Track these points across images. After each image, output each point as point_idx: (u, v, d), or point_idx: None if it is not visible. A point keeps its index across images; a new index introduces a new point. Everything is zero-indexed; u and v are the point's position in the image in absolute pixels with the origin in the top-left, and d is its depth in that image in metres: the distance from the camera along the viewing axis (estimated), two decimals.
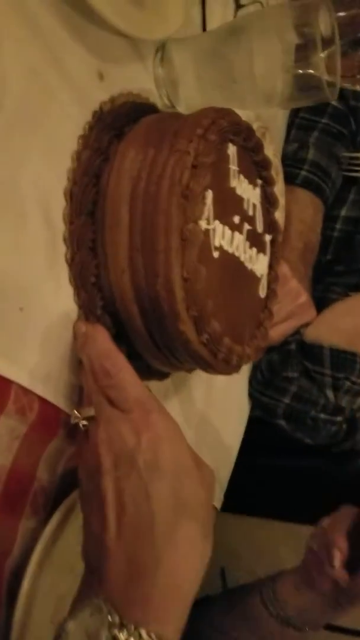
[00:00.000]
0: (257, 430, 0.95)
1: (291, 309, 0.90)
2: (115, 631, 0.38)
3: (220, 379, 0.81)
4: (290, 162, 0.99)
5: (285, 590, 0.74)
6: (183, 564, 0.42)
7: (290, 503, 1.05)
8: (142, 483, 0.42)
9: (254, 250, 0.60)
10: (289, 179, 0.98)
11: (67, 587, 0.53)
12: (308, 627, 0.73)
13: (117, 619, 0.38)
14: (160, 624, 0.39)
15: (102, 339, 0.48)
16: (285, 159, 0.99)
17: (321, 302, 0.97)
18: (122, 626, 0.38)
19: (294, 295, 0.89)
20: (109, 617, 0.38)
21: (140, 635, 0.38)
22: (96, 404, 0.46)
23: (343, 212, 1.09)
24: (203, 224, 0.51)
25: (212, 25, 0.69)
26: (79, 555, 0.51)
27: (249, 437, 0.93)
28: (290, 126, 1.03)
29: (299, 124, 1.02)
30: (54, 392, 0.50)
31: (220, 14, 0.71)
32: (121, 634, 0.38)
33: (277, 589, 0.75)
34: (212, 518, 0.46)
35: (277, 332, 0.89)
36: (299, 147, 1.00)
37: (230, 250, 0.56)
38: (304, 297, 0.90)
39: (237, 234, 0.57)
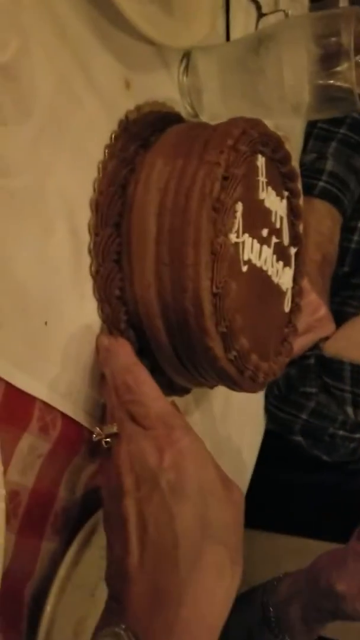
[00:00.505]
0: (273, 445, 0.93)
1: (310, 322, 0.88)
2: None
3: (238, 394, 0.79)
4: (308, 172, 0.98)
5: (285, 578, 0.72)
6: (209, 590, 0.39)
7: (305, 518, 1.04)
8: (165, 505, 0.40)
9: (281, 263, 0.59)
10: (307, 190, 0.96)
11: (87, 610, 0.52)
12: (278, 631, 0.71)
13: None
14: None
15: (124, 353, 0.46)
16: (303, 170, 0.98)
17: (337, 316, 0.96)
18: None
19: (314, 309, 0.87)
20: None
21: None
22: (118, 421, 0.44)
23: None
24: (233, 237, 0.49)
25: (235, 33, 0.68)
26: (100, 577, 0.50)
27: (264, 451, 0.91)
28: (308, 136, 1.02)
29: (317, 134, 1.01)
30: (75, 408, 0.48)
31: (242, 23, 0.70)
32: None
33: (278, 589, 0.73)
34: (241, 541, 0.44)
35: (296, 345, 0.87)
36: (317, 157, 0.99)
37: (258, 264, 0.54)
38: (323, 311, 0.88)
39: (265, 247, 0.55)
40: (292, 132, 0.93)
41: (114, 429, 0.45)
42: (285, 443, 0.95)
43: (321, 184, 0.97)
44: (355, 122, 1.02)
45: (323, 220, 0.97)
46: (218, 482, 0.43)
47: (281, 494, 1.02)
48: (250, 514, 0.82)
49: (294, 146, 0.93)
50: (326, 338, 0.90)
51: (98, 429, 0.46)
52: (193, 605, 0.39)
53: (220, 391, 0.74)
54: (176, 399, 0.61)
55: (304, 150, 1.01)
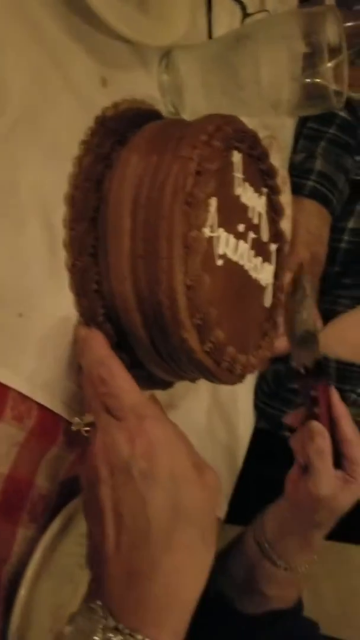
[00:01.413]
0: (263, 441, 0.94)
1: None
2: (110, 634, 0.38)
3: (224, 389, 0.80)
4: (298, 172, 0.99)
5: (269, 514, 0.74)
6: (180, 570, 0.41)
7: None
8: (138, 491, 0.42)
9: (259, 259, 0.60)
10: (296, 190, 0.97)
11: (66, 596, 0.53)
12: (282, 562, 0.72)
13: (111, 622, 0.39)
14: (156, 628, 0.39)
15: (98, 345, 0.47)
16: (293, 169, 0.99)
17: (328, 314, 0.96)
18: (116, 630, 0.38)
19: None
20: (104, 620, 0.38)
21: (133, 639, 0.38)
22: (94, 412, 0.45)
23: (350, 224, 1.09)
24: (207, 232, 0.50)
25: (218, 33, 0.69)
26: (78, 564, 0.51)
27: (255, 448, 0.92)
28: (297, 136, 1.02)
29: (307, 134, 1.02)
30: (53, 399, 0.49)
31: (226, 22, 0.71)
32: (115, 637, 0.38)
33: (263, 516, 0.75)
34: (214, 523, 0.45)
35: (283, 342, 0.88)
36: (306, 157, 1.00)
37: (234, 259, 0.55)
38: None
39: (241, 242, 0.56)
40: (281, 131, 0.94)
41: (92, 419, 0.46)
42: (275, 440, 0.96)
43: (310, 183, 0.98)
44: (344, 122, 1.02)
45: (312, 219, 0.98)
46: (190, 467, 0.44)
47: (271, 490, 1.02)
48: (241, 511, 0.83)
49: (283, 145, 0.94)
50: None
51: (77, 418, 0.47)
52: (164, 582, 0.40)
53: (207, 386, 0.75)
54: (160, 393, 0.62)
55: (294, 149, 1.02)
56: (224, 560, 0.80)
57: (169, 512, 0.42)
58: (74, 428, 0.47)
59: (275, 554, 0.72)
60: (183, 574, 0.41)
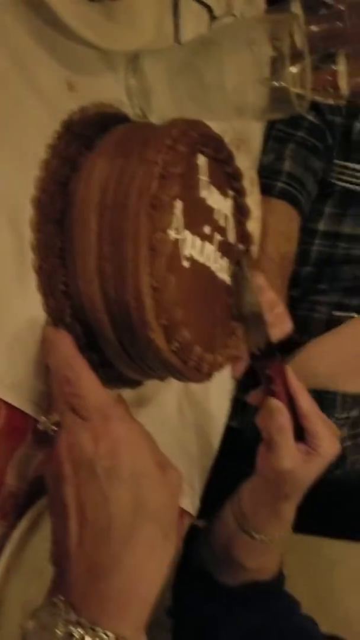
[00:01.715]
0: (238, 440, 0.95)
1: (269, 320, 0.91)
2: (71, 627, 0.39)
3: (196, 388, 0.81)
4: (267, 173, 1.01)
5: (245, 487, 0.77)
6: (141, 565, 0.42)
7: None
8: (101, 489, 0.43)
9: (226, 260, 0.61)
10: (266, 190, 0.99)
11: (36, 592, 0.53)
12: (256, 534, 0.74)
13: (73, 616, 0.39)
14: (117, 621, 0.40)
15: (64, 345, 0.48)
16: (262, 170, 1.01)
17: (305, 321, 0.99)
18: (78, 623, 0.39)
19: (270, 306, 0.89)
20: (65, 614, 0.39)
21: (95, 632, 0.39)
22: (60, 411, 0.46)
23: (321, 227, 1.10)
24: (172, 234, 0.51)
25: (185, 38, 0.70)
26: (47, 560, 0.52)
27: (230, 446, 0.93)
28: (266, 138, 1.04)
29: (275, 135, 1.04)
30: (21, 399, 0.50)
31: (193, 27, 0.72)
32: (77, 631, 0.39)
33: (240, 490, 0.77)
34: (175, 520, 0.46)
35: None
36: (275, 158, 1.02)
37: (200, 260, 0.56)
38: (281, 308, 0.91)
39: (207, 244, 0.57)
40: (251, 132, 0.96)
41: (58, 418, 0.47)
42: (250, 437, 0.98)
43: (280, 184, 1.00)
44: (312, 125, 1.05)
45: (282, 219, 1.00)
46: (153, 465, 0.45)
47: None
48: (215, 507, 0.85)
49: (253, 147, 0.96)
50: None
51: (43, 417, 0.48)
52: (125, 576, 0.42)
53: (177, 384, 0.76)
54: (129, 392, 0.63)
55: (263, 151, 1.03)
56: (206, 533, 0.82)
57: (131, 509, 0.43)
58: (40, 427, 0.48)
59: (250, 526, 0.75)
60: (144, 569, 0.43)
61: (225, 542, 0.77)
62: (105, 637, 0.39)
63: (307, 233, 1.07)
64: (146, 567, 0.43)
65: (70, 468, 0.44)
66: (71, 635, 0.39)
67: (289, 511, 0.74)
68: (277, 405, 0.69)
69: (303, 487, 0.72)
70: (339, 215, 1.07)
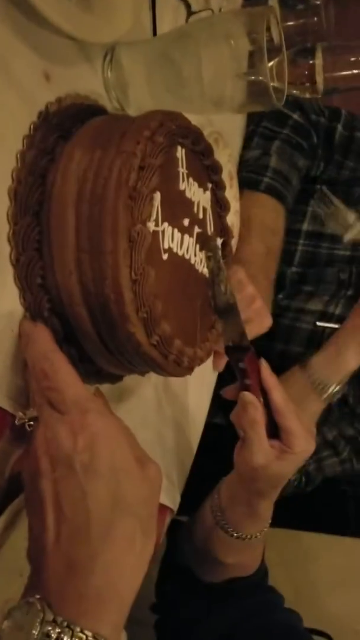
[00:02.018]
0: (220, 437, 0.95)
1: (247, 315, 0.91)
2: (48, 627, 0.38)
3: (175, 382, 0.81)
4: (253, 168, 1.01)
5: (223, 483, 0.76)
6: (120, 561, 0.42)
7: None
8: (79, 484, 0.42)
9: (205, 253, 0.61)
10: (252, 185, 0.99)
11: (16, 593, 0.52)
12: (233, 530, 0.74)
13: (50, 616, 0.38)
14: (95, 620, 0.39)
15: (42, 340, 0.48)
16: (248, 165, 1.01)
17: (290, 331, 1.00)
18: (54, 622, 0.38)
19: (249, 301, 0.89)
20: (42, 614, 0.38)
21: (72, 631, 0.38)
22: (37, 406, 0.46)
23: (304, 227, 1.11)
24: (151, 226, 0.51)
25: (162, 30, 0.70)
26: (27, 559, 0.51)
27: (215, 444, 0.93)
28: (252, 134, 1.05)
29: (262, 132, 1.05)
30: None
31: (171, 20, 0.72)
32: (53, 630, 0.38)
33: (219, 486, 0.77)
34: (154, 515, 0.46)
35: None
36: (261, 154, 1.02)
37: (180, 253, 0.56)
38: (259, 303, 0.91)
39: (187, 236, 0.57)
40: (229, 126, 0.95)
41: (36, 413, 0.46)
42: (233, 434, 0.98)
43: (266, 179, 1.01)
44: (297, 124, 1.06)
45: (268, 213, 1.00)
46: (132, 460, 0.45)
47: None
48: (196, 504, 0.85)
49: (232, 140, 0.96)
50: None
51: (20, 413, 0.47)
52: (103, 573, 0.41)
53: (157, 380, 0.76)
54: (109, 387, 0.63)
55: (249, 146, 1.04)
56: (188, 529, 0.81)
57: (109, 504, 0.42)
58: (17, 422, 0.47)
59: (226, 522, 0.74)
60: (122, 566, 0.42)
61: (204, 539, 0.77)
62: (82, 635, 0.38)
63: (291, 234, 1.08)
64: (125, 563, 0.42)
65: (48, 463, 0.43)
66: (48, 635, 0.38)
67: (264, 509, 0.74)
68: (250, 398, 0.68)
69: (277, 484, 0.71)
70: (321, 216, 1.08)
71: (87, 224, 0.49)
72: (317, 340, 0.99)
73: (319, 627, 1.05)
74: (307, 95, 0.74)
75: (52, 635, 0.38)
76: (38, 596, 0.39)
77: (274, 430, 0.69)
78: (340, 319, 0.99)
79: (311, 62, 0.73)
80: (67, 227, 0.50)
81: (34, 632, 0.38)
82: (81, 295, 0.51)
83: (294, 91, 0.73)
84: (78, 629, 0.38)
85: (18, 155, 0.49)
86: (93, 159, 0.50)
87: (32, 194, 0.49)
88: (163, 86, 0.62)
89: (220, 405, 0.96)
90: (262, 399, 0.68)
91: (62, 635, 0.38)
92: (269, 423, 0.69)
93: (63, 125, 0.52)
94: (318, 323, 1.01)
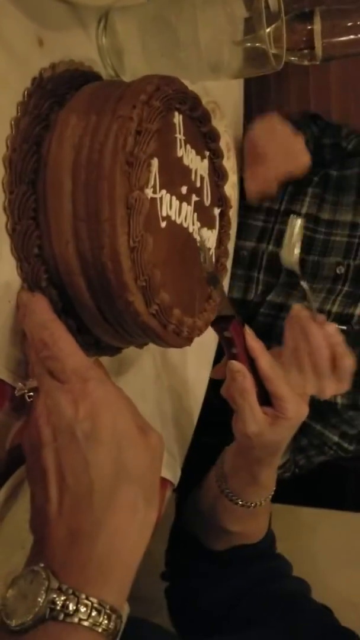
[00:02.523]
0: (220, 412, 0.95)
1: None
2: (53, 595, 0.38)
3: (173, 356, 0.81)
4: None
5: (227, 452, 0.77)
6: (123, 529, 0.42)
7: None
8: (81, 453, 0.42)
9: (201, 222, 0.60)
10: None
11: (18, 563, 0.52)
12: (236, 497, 0.75)
13: (55, 583, 0.38)
14: (99, 587, 0.39)
15: (41, 309, 0.47)
16: None
17: (268, 331, 1.00)
18: (59, 590, 0.38)
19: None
20: (47, 582, 0.38)
21: (78, 598, 0.38)
22: (37, 376, 0.45)
23: (304, 210, 1.09)
24: (149, 193, 0.50)
25: None
26: (29, 530, 0.51)
27: (217, 420, 0.93)
28: None
29: None
30: None
31: None
32: (59, 598, 0.38)
33: (223, 454, 0.77)
34: (157, 483, 0.46)
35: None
36: None
37: (178, 221, 0.55)
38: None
39: (185, 204, 0.56)
40: (225, 96, 0.94)
41: (36, 384, 0.46)
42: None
43: None
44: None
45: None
46: (134, 428, 0.44)
47: None
48: (197, 479, 0.85)
49: (230, 111, 0.94)
50: None
51: (20, 384, 0.47)
52: (107, 541, 0.41)
53: (156, 353, 0.76)
54: (107, 359, 0.62)
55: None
56: (194, 498, 0.82)
57: (112, 473, 0.42)
58: (17, 393, 0.47)
59: (230, 490, 0.75)
60: (126, 533, 0.42)
61: (210, 508, 0.78)
62: (88, 602, 0.38)
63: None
64: (128, 531, 0.42)
65: (49, 432, 0.43)
66: (53, 602, 0.38)
67: (265, 476, 0.74)
68: (238, 367, 0.68)
69: (274, 450, 0.72)
70: (320, 201, 1.07)
71: (83, 191, 0.48)
72: None
73: (318, 600, 1.07)
74: (306, 63, 0.73)
75: (58, 602, 0.38)
76: (42, 565, 0.39)
77: (266, 397, 0.69)
78: (336, 318, 0.97)
79: (309, 27, 0.71)
80: (63, 195, 0.49)
81: (39, 599, 0.38)
82: (79, 265, 0.50)
83: (292, 58, 0.71)
84: (83, 596, 0.38)
85: (12, 123, 0.48)
86: (89, 124, 0.49)
87: (27, 162, 0.48)
88: (159, 51, 0.61)
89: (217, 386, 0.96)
90: (250, 367, 0.68)
91: (68, 602, 0.38)
92: (260, 391, 0.69)
93: (57, 91, 0.51)
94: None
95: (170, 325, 0.54)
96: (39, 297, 0.48)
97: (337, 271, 1.02)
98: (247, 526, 0.78)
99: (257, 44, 0.60)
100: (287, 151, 1.00)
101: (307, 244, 1.04)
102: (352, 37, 0.73)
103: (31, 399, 0.46)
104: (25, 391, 0.46)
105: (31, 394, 0.46)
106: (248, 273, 1.10)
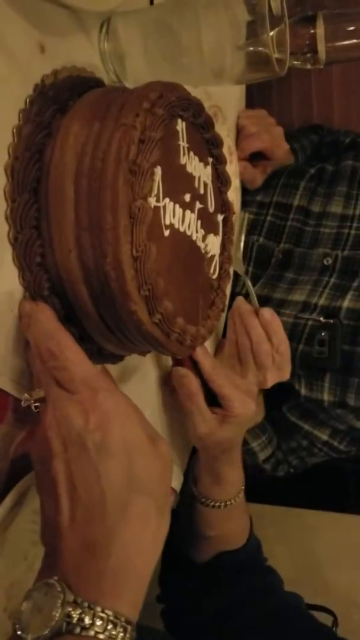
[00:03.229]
0: None
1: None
2: (69, 609, 0.37)
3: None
4: None
5: (195, 457, 0.78)
6: (136, 540, 0.41)
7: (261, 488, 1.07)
8: (92, 464, 0.41)
9: (205, 230, 0.59)
10: None
11: (20, 574, 0.52)
12: (204, 499, 0.76)
13: (70, 597, 0.38)
14: (114, 600, 0.39)
15: (45, 318, 0.47)
16: None
17: None
18: (75, 603, 0.38)
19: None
20: (62, 595, 0.38)
21: (94, 611, 0.38)
22: (44, 386, 0.45)
23: (295, 202, 1.08)
24: (152, 201, 0.49)
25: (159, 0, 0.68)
26: (32, 541, 0.50)
27: None
28: None
29: None
30: (0, 377, 0.48)
31: None
32: (75, 611, 0.37)
33: (195, 457, 0.79)
34: (168, 493, 0.46)
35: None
36: None
37: (181, 229, 0.55)
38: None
39: (188, 212, 0.56)
40: (226, 101, 0.93)
41: (42, 394, 0.45)
42: None
43: None
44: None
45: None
46: (144, 438, 0.44)
47: None
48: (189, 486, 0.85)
49: (231, 115, 0.94)
50: None
51: (26, 394, 0.46)
52: (120, 553, 0.40)
53: (159, 360, 0.75)
54: (110, 367, 0.62)
55: None
56: (174, 511, 0.82)
57: (124, 483, 0.42)
58: (23, 404, 0.46)
59: (198, 492, 0.76)
60: (139, 544, 0.41)
61: (187, 515, 0.78)
62: (103, 615, 0.38)
63: (282, 208, 1.06)
64: (141, 542, 0.42)
65: (59, 443, 0.42)
66: (69, 616, 0.37)
67: (227, 473, 0.75)
68: (182, 372, 0.70)
69: (229, 447, 0.73)
70: (311, 194, 1.06)
71: (86, 199, 0.48)
72: (299, 334, 0.96)
73: (321, 603, 1.06)
74: (309, 66, 0.72)
75: (74, 616, 0.37)
76: (56, 577, 0.39)
77: (215, 397, 0.71)
78: (323, 311, 0.96)
79: (312, 31, 0.71)
80: (65, 203, 0.48)
81: (54, 613, 0.37)
82: (81, 274, 0.50)
83: (295, 62, 0.71)
84: (99, 609, 0.38)
85: (14, 130, 0.48)
86: (91, 132, 0.48)
87: (29, 170, 0.48)
88: (161, 56, 0.60)
89: None
90: (195, 371, 0.70)
91: (83, 615, 0.37)
92: (210, 392, 0.70)
93: (60, 98, 0.50)
94: (299, 315, 0.98)
95: (173, 334, 0.54)
96: (43, 306, 0.48)
97: (325, 262, 1.00)
98: (224, 529, 0.78)
99: (260, 48, 0.60)
100: (271, 135, 1.04)
101: (297, 236, 1.04)
102: (355, 40, 0.73)
103: (38, 410, 0.46)
104: (32, 402, 0.46)
105: (37, 404, 0.46)
106: None
